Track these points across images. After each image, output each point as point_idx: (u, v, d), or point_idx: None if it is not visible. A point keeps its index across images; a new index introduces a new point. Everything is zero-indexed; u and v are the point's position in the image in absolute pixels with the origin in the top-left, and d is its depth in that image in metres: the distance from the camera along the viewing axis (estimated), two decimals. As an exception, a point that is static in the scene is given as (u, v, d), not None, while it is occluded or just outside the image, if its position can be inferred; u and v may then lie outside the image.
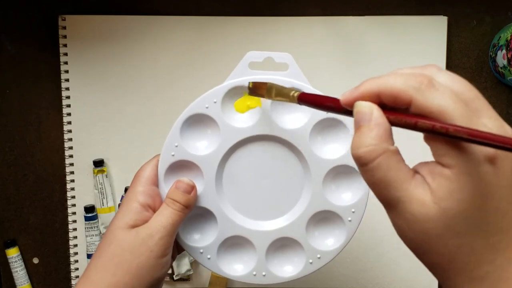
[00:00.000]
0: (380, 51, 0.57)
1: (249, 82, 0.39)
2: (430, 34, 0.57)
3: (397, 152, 0.26)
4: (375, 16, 0.57)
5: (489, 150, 0.23)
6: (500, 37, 0.55)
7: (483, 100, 0.25)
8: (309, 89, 0.40)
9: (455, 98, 0.24)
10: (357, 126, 0.26)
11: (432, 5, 0.57)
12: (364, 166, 0.25)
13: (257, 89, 0.38)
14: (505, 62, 0.53)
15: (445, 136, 0.23)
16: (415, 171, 0.26)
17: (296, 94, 0.33)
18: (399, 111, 0.26)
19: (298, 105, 0.40)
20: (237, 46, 0.57)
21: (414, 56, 0.57)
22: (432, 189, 0.24)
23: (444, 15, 0.57)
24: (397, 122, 0.25)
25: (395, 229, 0.27)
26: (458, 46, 0.58)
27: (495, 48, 0.56)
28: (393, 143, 0.26)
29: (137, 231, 0.37)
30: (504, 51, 0.53)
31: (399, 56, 0.57)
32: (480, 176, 0.24)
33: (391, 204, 0.26)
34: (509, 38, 0.53)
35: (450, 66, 0.58)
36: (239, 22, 0.57)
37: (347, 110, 0.28)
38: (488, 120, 0.24)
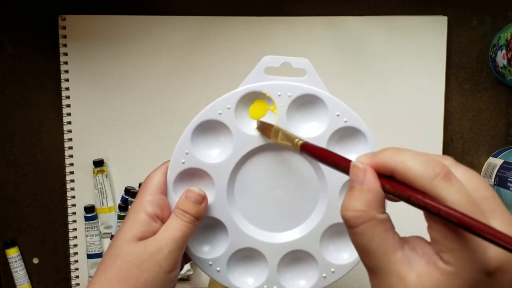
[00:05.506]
0: (380, 51, 0.57)
1: (258, 120, 0.38)
2: (430, 34, 0.57)
3: (385, 221, 0.25)
4: (375, 16, 0.57)
5: (492, 263, 0.23)
6: (500, 37, 0.55)
7: (498, 200, 0.24)
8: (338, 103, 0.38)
9: (469, 197, 0.23)
10: (350, 186, 0.26)
11: (432, 5, 0.57)
12: (350, 228, 0.25)
13: (264, 129, 0.37)
14: (505, 62, 0.53)
15: (436, 216, 0.23)
16: (407, 242, 0.25)
17: (299, 143, 0.32)
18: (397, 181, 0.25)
19: (315, 113, 0.39)
20: (237, 46, 0.57)
21: (414, 56, 0.57)
22: (420, 273, 0.24)
23: (444, 15, 0.57)
24: (392, 191, 0.25)
25: None
26: (458, 46, 0.58)
27: (495, 48, 0.56)
28: (383, 211, 0.25)
29: (145, 244, 0.35)
30: (504, 51, 0.53)
31: (399, 56, 0.57)
32: (474, 283, 0.23)
33: (370, 270, 0.25)
34: (509, 38, 0.53)
35: (450, 66, 0.58)
36: (239, 22, 0.57)
37: (348, 169, 0.27)
38: (499, 223, 0.23)
